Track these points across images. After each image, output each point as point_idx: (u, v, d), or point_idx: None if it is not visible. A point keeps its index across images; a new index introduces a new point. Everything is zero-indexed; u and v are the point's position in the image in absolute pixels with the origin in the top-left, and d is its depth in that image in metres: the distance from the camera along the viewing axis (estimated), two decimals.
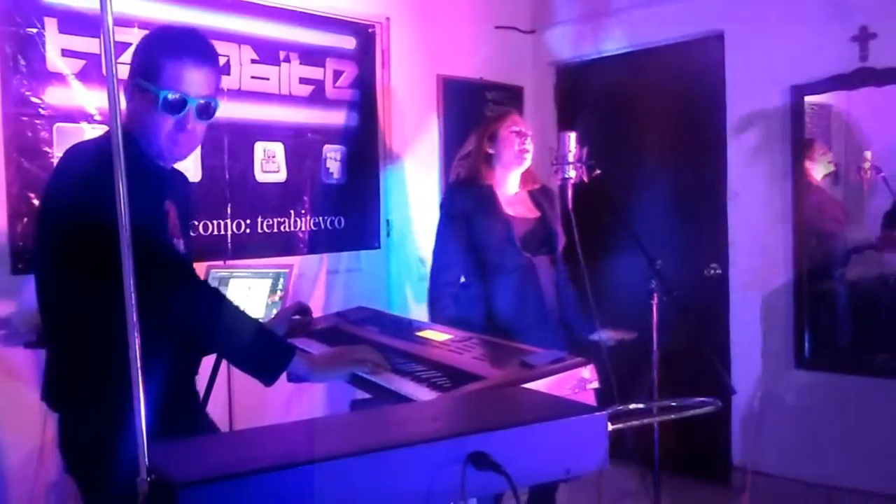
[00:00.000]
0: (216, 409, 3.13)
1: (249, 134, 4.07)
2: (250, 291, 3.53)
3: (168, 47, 2.20)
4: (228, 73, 3.95)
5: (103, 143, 2.16)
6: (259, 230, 4.15)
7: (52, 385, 2.22)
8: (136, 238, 2.03)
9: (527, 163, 3.64)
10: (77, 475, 2.22)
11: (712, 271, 4.49)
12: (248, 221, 4.09)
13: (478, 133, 3.72)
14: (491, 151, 3.62)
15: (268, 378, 2.16)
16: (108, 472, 1.85)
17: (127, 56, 3.49)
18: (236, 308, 2.17)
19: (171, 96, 2.15)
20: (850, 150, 4.11)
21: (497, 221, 3.53)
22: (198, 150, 3.42)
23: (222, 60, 3.84)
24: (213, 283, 3.33)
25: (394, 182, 4.78)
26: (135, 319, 1.18)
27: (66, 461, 2.23)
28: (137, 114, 2.19)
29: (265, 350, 2.19)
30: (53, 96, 3.42)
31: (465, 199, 3.61)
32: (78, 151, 2.22)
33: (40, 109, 3.39)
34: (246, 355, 2.17)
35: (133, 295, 1.20)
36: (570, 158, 3.44)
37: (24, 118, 3.35)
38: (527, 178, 3.69)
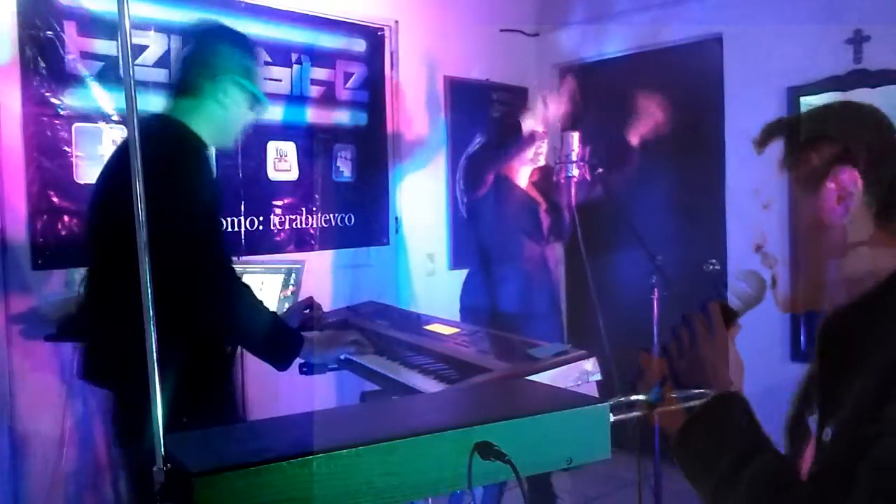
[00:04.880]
0: None
1: (262, 133, 4.10)
2: (263, 286, 3.55)
3: (251, 50, 2.45)
4: None
5: (168, 132, 2.29)
6: (272, 227, 4.20)
7: (100, 363, 2.32)
8: (212, 236, 2.18)
9: (541, 161, 3.70)
10: (127, 448, 2.33)
11: (711, 267, 4.51)
12: (261, 218, 4.14)
13: (495, 161, 3.72)
14: (522, 177, 3.70)
15: (283, 364, 2.31)
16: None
17: (146, 57, 3.61)
18: (257, 300, 2.29)
19: (264, 101, 2.43)
20: None
21: (523, 210, 3.57)
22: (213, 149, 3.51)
23: None
24: None
25: (402, 180, 4.83)
26: (151, 313, 1.18)
27: (117, 436, 2.35)
28: (226, 105, 2.37)
29: (280, 339, 2.32)
30: (72, 97, 3.47)
31: (487, 186, 3.64)
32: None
33: (59, 110, 3.44)
34: (263, 344, 2.30)
35: (150, 288, 1.19)
36: (574, 157, 3.50)
37: (44, 118, 3.40)
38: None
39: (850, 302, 1.29)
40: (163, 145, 2.19)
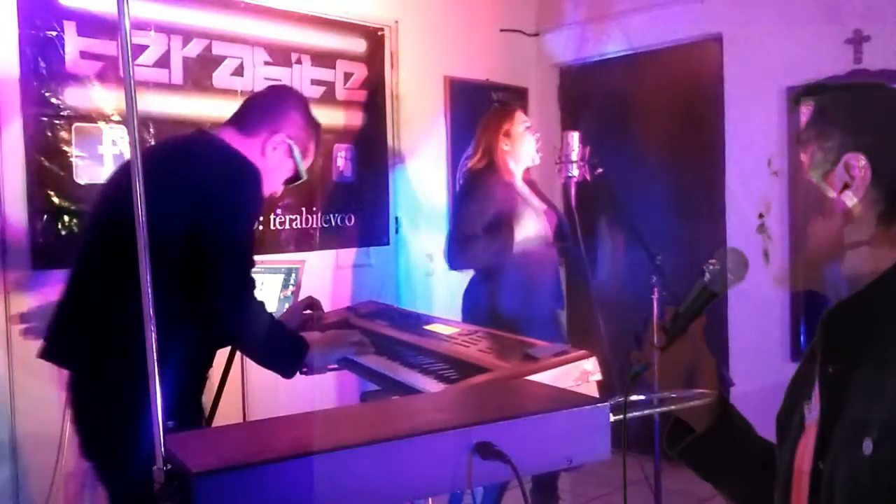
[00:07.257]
0: (230, 401, 3.19)
1: None
2: (263, 286, 3.53)
3: (317, 133, 2.58)
4: (242, 76, 4.01)
5: (233, 154, 2.38)
6: (272, 226, 4.19)
7: (65, 342, 2.37)
8: (247, 249, 2.29)
9: (537, 159, 3.68)
10: (93, 456, 2.32)
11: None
12: (261, 218, 4.10)
13: (489, 129, 3.71)
14: (507, 148, 3.64)
15: (288, 373, 2.33)
16: (125, 449, 1.80)
17: (146, 57, 3.62)
18: (265, 311, 2.32)
19: (302, 178, 2.58)
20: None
21: (529, 217, 3.56)
22: None
23: (236, 63, 3.93)
24: None
25: (402, 180, 4.82)
26: (151, 314, 1.18)
27: (83, 444, 2.34)
28: (270, 159, 2.46)
29: (285, 348, 2.33)
30: (72, 97, 3.47)
31: (492, 192, 3.60)
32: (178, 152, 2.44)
33: (60, 110, 3.44)
34: (267, 353, 2.31)
35: (150, 290, 1.18)
36: (574, 157, 3.49)
37: (45, 118, 3.40)
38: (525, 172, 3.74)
39: (855, 293, 1.24)
40: (228, 163, 2.31)
